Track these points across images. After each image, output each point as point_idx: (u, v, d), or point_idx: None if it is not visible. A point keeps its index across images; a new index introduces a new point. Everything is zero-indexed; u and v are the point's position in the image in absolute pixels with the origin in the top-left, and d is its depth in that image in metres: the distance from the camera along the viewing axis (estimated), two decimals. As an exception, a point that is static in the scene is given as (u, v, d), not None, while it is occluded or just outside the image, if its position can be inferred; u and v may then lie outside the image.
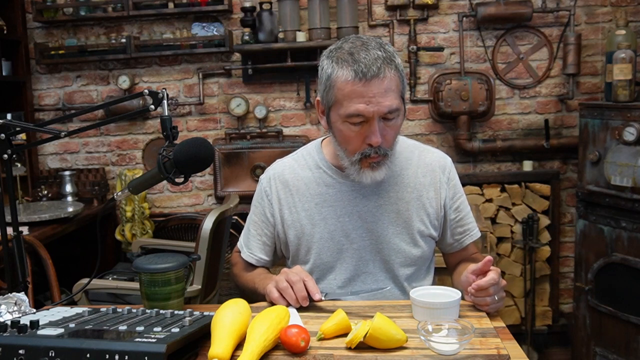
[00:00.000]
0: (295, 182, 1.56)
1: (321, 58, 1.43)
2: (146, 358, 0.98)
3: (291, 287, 1.36)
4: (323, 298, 1.36)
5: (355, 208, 1.52)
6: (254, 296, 1.52)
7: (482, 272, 1.32)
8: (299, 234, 1.55)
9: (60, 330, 1.07)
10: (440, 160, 1.58)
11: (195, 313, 1.24)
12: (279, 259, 1.67)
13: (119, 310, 1.27)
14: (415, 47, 3.16)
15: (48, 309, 1.33)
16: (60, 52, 3.30)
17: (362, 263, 1.53)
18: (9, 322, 1.09)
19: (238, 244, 1.69)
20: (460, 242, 1.60)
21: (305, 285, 1.36)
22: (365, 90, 1.33)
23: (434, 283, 1.67)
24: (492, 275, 1.29)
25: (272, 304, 1.37)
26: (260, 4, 3.06)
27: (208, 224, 2.37)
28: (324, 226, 1.52)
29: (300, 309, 1.36)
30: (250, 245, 1.62)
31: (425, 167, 1.56)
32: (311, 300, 1.36)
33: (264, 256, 1.62)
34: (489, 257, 1.32)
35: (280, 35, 3.11)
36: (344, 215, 1.52)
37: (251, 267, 1.64)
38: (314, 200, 1.54)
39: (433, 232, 1.56)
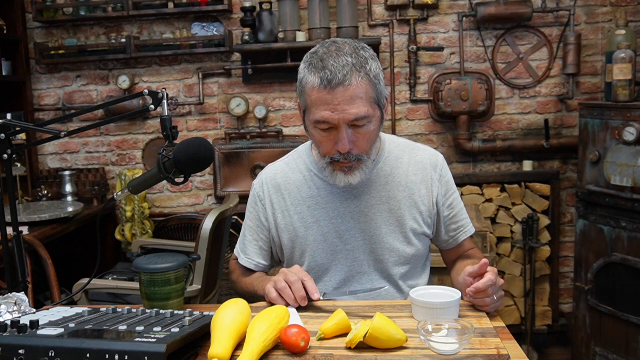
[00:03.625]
0: (287, 185, 1.56)
1: (302, 59, 1.43)
2: (146, 358, 0.98)
3: (290, 287, 1.36)
4: (321, 298, 1.36)
5: (347, 209, 1.52)
6: (253, 299, 1.51)
7: (480, 275, 1.32)
8: (292, 237, 1.55)
9: (60, 330, 1.07)
10: (432, 158, 1.57)
11: (195, 313, 1.24)
12: (277, 263, 1.67)
13: (119, 310, 1.27)
14: (415, 47, 3.16)
15: (48, 309, 1.33)
16: (60, 52, 3.30)
17: (356, 264, 1.53)
18: (9, 322, 1.09)
19: (235, 251, 1.69)
20: (455, 238, 1.60)
21: (304, 285, 1.36)
22: (331, 98, 1.32)
23: (433, 283, 1.67)
24: (490, 276, 1.29)
25: (272, 304, 1.37)
26: (260, 4, 3.06)
27: (208, 224, 2.37)
28: (317, 228, 1.53)
29: (300, 309, 1.36)
30: (248, 251, 1.63)
31: (417, 165, 1.56)
32: (310, 300, 1.36)
33: (262, 261, 1.62)
34: (484, 260, 1.32)
35: (280, 35, 3.11)
36: (336, 217, 1.52)
37: (250, 272, 1.64)
38: (306, 203, 1.54)
39: (427, 230, 1.55)
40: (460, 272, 1.42)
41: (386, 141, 1.57)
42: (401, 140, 1.61)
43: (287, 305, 1.35)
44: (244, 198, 3.06)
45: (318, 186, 1.54)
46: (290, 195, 1.55)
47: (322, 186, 1.53)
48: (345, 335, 1.18)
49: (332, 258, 1.53)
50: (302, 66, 1.40)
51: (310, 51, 1.41)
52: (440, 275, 2.92)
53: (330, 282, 1.55)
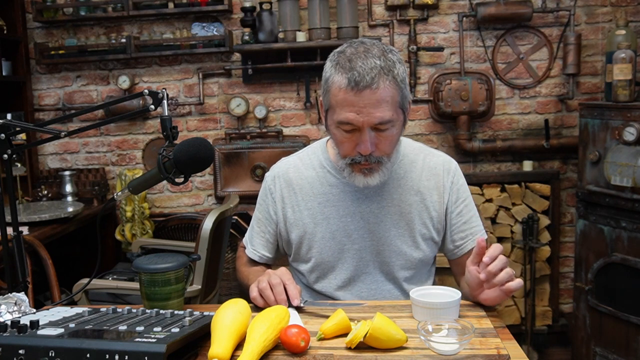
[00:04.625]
0: (299, 181, 1.57)
1: (328, 58, 1.42)
2: (146, 358, 0.98)
3: (271, 289, 1.35)
4: (302, 305, 1.35)
5: (357, 209, 1.51)
6: (248, 292, 1.51)
7: (480, 256, 1.28)
8: (301, 232, 1.55)
9: (60, 330, 1.07)
10: (445, 164, 1.56)
11: (195, 313, 1.24)
12: (282, 256, 1.68)
13: (119, 310, 1.27)
14: (415, 47, 3.16)
15: (48, 309, 1.33)
16: (60, 52, 3.30)
17: (362, 264, 1.53)
18: (9, 322, 1.09)
19: (244, 239, 1.71)
20: (461, 247, 1.55)
21: (285, 289, 1.35)
22: (357, 99, 1.32)
23: (433, 283, 1.66)
24: (501, 257, 1.26)
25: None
26: (260, 4, 3.06)
27: (208, 224, 2.37)
28: (326, 225, 1.53)
29: (300, 309, 1.36)
30: (254, 242, 1.64)
31: (430, 170, 1.54)
32: (290, 305, 1.34)
33: (266, 253, 1.63)
34: (480, 238, 1.29)
35: (280, 35, 3.11)
36: (346, 215, 1.52)
37: (254, 263, 1.65)
38: (317, 199, 1.54)
39: (435, 235, 1.54)
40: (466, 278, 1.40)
41: (401, 144, 1.56)
42: (416, 144, 1.60)
43: (265, 305, 1.34)
44: (244, 198, 3.08)
45: (330, 183, 1.54)
46: (302, 191, 1.56)
47: (334, 184, 1.53)
48: (345, 335, 1.18)
49: (338, 256, 1.53)
50: (329, 64, 1.38)
51: (336, 49, 1.40)
52: (440, 275, 2.92)
53: (335, 280, 1.55)
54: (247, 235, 1.69)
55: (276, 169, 1.61)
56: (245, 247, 1.69)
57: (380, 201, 1.51)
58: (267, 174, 1.63)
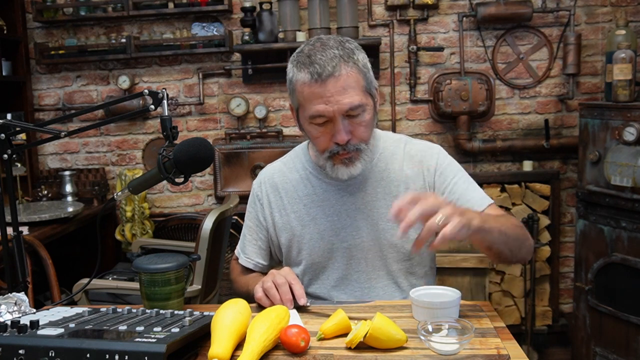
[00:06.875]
0: (284, 185, 1.57)
1: (289, 61, 1.43)
2: (146, 358, 0.98)
3: (276, 288, 1.35)
4: (308, 304, 1.35)
5: (343, 206, 1.51)
6: (249, 299, 1.51)
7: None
8: (289, 236, 1.55)
9: (60, 330, 1.07)
10: (427, 150, 1.55)
11: (195, 313, 1.24)
12: (276, 263, 1.67)
13: (119, 310, 1.27)
14: (415, 47, 3.16)
15: (48, 309, 1.33)
16: (60, 52, 3.30)
17: (354, 261, 1.52)
18: (9, 322, 1.09)
19: (235, 251, 1.70)
20: None
21: (291, 288, 1.35)
22: (323, 90, 1.33)
23: (433, 283, 1.66)
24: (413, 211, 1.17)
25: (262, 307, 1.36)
26: (260, 4, 3.06)
27: (208, 224, 2.37)
28: (314, 226, 1.52)
29: (300, 309, 1.36)
30: (247, 251, 1.64)
31: (411, 158, 1.53)
32: (296, 304, 1.34)
33: (261, 260, 1.63)
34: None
35: (280, 35, 3.11)
36: (332, 214, 1.51)
37: (249, 272, 1.65)
38: (302, 201, 1.54)
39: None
40: None
41: (381, 138, 1.56)
42: (397, 136, 1.60)
43: (271, 305, 1.34)
44: (244, 198, 3.06)
45: (314, 184, 1.54)
46: (287, 194, 1.56)
47: (318, 184, 1.53)
48: (345, 335, 1.18)
49: (328, 256, 1.53)
50: (290, 66, 1.41)
51: (296, 51, 1.42)
52: (441, 275, 2.92)
53: (328, 280, 1.54)
54: (239, 245, 1.68)
55: (262, 175, 1.62)
56: (237, 259, 1.68)
57: (364, 197, 1.51)
58: (254, 182, 1.64)
